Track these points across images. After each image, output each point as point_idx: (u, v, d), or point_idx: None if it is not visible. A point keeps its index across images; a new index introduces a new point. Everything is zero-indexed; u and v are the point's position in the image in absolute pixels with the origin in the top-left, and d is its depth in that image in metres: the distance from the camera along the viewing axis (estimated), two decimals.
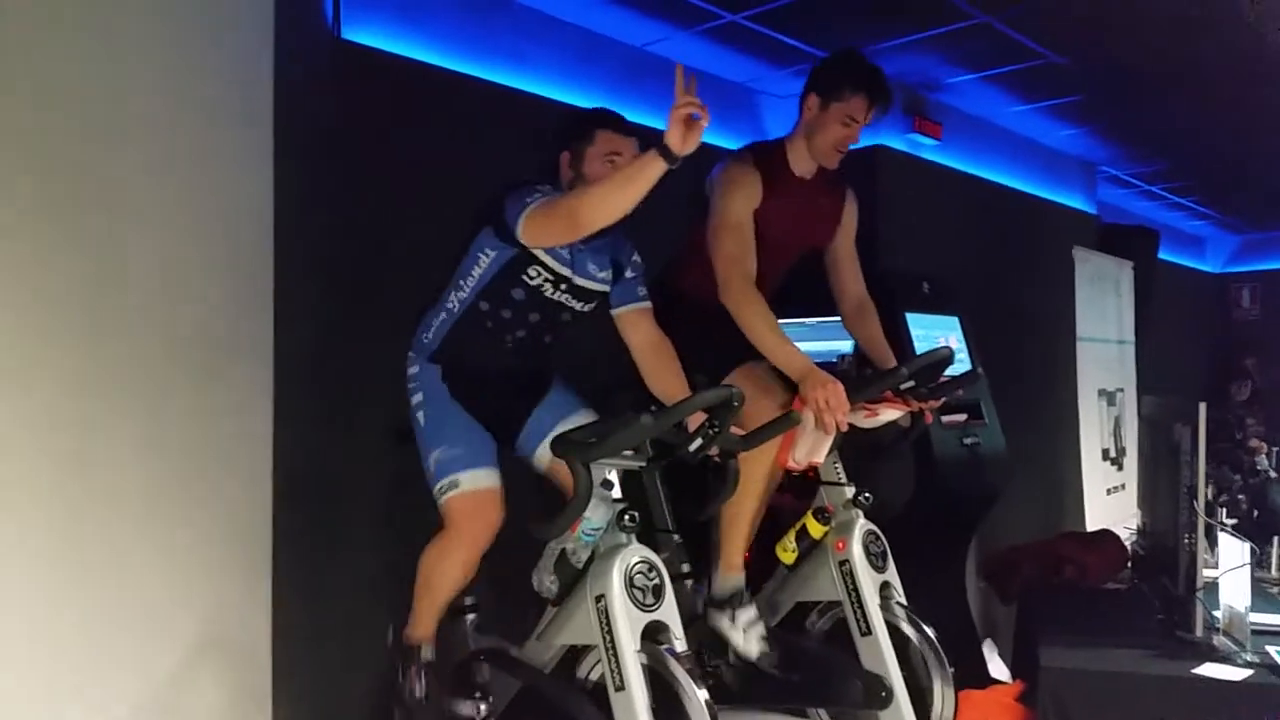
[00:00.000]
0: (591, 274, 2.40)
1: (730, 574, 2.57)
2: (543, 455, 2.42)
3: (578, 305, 2.43)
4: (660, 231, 2.60)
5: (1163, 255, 6.93)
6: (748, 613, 2.51)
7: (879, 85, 2.55)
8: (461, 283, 2.37)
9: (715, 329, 2.52)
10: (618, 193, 2.03)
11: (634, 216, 2.35)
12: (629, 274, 2.47)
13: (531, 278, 2.33)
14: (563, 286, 2.37)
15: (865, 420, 2.55)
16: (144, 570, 2.04)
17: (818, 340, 3.59)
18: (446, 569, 2.34)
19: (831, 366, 3.40)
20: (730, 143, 4.21)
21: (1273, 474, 5.74)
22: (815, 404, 2.33)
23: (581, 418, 2.44)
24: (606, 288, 2.44)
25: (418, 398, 2.42)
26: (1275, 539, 4.49)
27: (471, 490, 2.32)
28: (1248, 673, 2.37)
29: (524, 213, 2.17)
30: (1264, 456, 4.94)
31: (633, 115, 3.74)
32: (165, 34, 2.11)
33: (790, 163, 2.65)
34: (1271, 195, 6.74)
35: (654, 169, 1.95)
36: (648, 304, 2.48)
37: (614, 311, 2.48)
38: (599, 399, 2.50)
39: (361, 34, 3.00)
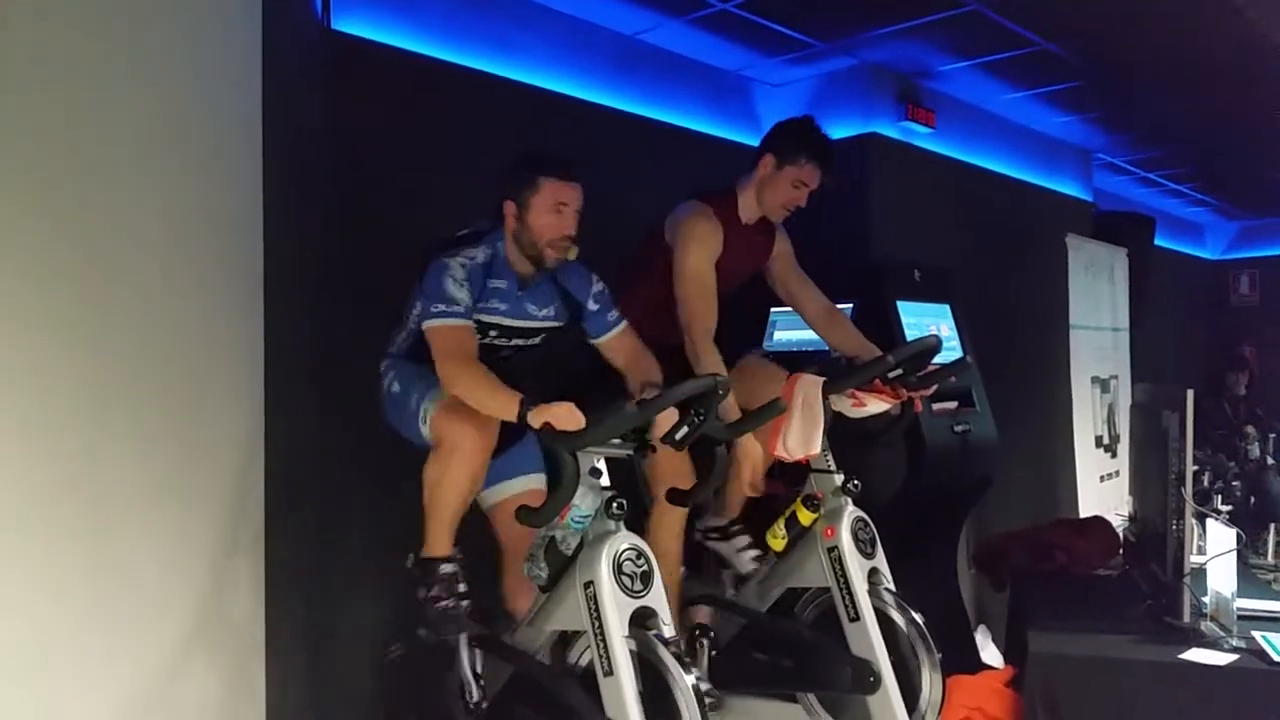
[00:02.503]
0: (530, 314, 2.47)
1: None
2: (488, 497, 2.48)
3: (519, 342, 2.49)
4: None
5: (1161, 242, 6.91)
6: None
7: (830, 157, 2.77)
8: (415, 311, 2.41)
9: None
10: (475, 398, 2.16)
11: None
12: (593, 305, 2.53)
13: (480, 335, 2.37)
14: (514, 335, 2.45)
15: (853, 410, 2.56)
16: (138, 557, 2.05)
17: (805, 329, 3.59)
18: (448, 483, 2.27)
19: (824, 356, 3.41)
20: (724, 131, 4.24)
21: (1270, 459, 5.74)
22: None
23: (534, 482, 2.54)
24: (550, 323, 2.51)
25: (390, 375, 2.45)
26: (1271, 526, 4.51)
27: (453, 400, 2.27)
28: (1233, 657, 2.38)
29: (426, 325, 2.29)
30: (1256, 444, 4.93)
31: (622, 104, 3.79)
32: (153, 24, 2.11)
33: (740, 212, 2.83)
34: (1269, 182, 6.73)
35: (506, 412, 2.10)
36: (623, 325, 2.56)
37: (594, 342, 2.56)
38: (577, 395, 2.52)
39: (351, 24, 3.00)
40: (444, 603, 2.29)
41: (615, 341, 2.55)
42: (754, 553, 2.87)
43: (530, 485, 2.56)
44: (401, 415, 2.37)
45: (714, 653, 2.73)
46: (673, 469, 2.46)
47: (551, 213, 2.33)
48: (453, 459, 2.25)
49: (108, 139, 2.03)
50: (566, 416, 2.02)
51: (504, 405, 2.12)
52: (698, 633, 2.76)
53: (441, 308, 2.27)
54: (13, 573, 1.87)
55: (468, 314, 2.31)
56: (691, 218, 2.73)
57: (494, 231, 2.41)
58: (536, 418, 2.03)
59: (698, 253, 2.68)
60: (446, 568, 2.32)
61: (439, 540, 2.33)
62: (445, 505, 2.30)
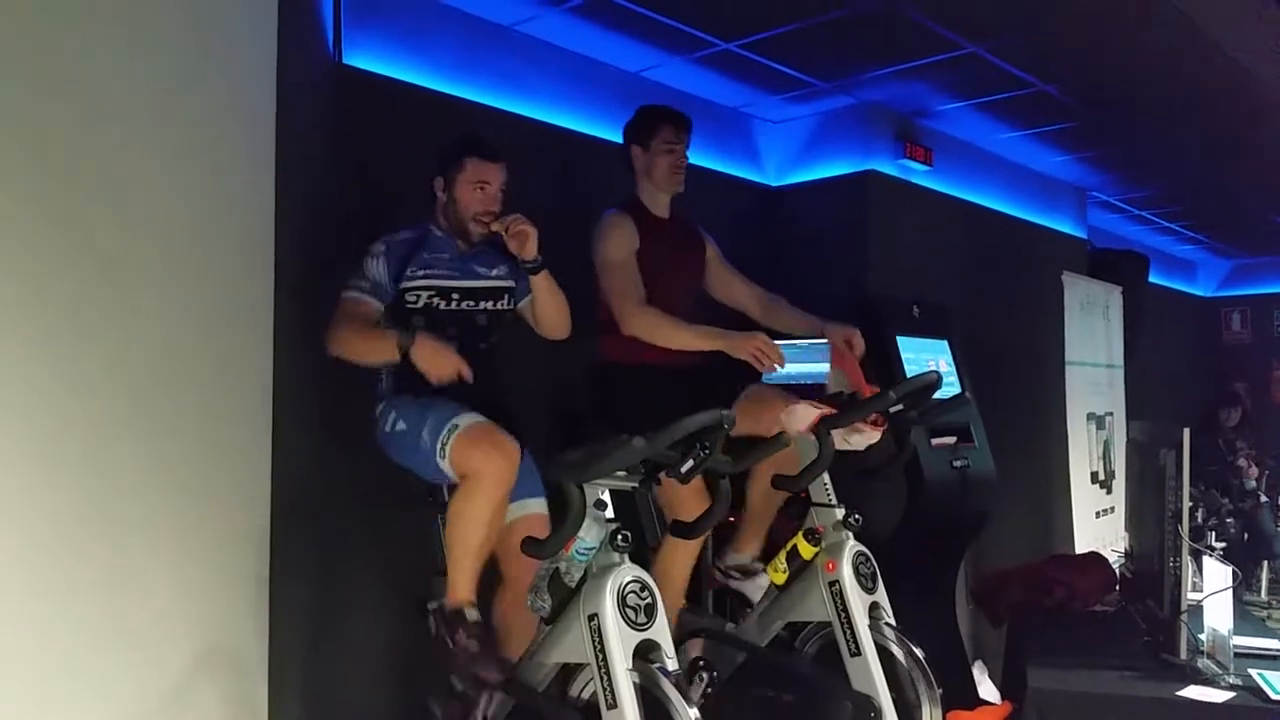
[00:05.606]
0: (482, 274, 2.58)
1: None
2: None
3: (486, 305, 2.58)
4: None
5: (1154, 279, 6.98)
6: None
7: (676, 113, 2.96)
8: None
9: (648, 390, 2.71)
10: (352, 346, 2.40)
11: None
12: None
13: (413, 302, 2.48)
14: (454, 296, 2.52)
15: (856, 439, 2.59)
16: (142, 580, 2.06)
17: (808, 362, 3.61)
18: (473, 514, 2.26)
19: (821, 389, 3.42)
20: (726, 167, 4.29)
21: (1263, 497, 5.77)
22: (752, 355, 2.65)
23: (535, 506, 2.52)
24: (503, 282, 2.61)
25: (390, 416, 2.46)
26: (1265, 563, 4.52)
27: (472, 423, 2.30)
28: (1230, 695, 2.40)
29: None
30: (1253, 479, 4.96)
31: None
32: (171, 60, 2.16)
33: (647, 206, 2.98)
34: (1260, 221, 6.81)
35: (386, 352, 2.34)
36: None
37: (519, 306, 2.66)
38: (566, 429, 2.55)
39: (362, 59, 3.05)
40: (474, 652, 2.24)
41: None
42: None
43: (529, 510, 2.52)
44: (414, 454, 2.37)
45: (709, 690, 2.70)
46: (693, 500, 2.49)
47: (473, 189, 2.51)
48: (477, 488, 2.25)
49: (124, 163, 2.06)
50: (433, 355, 2.28)
51: (381, 348, 2.35)
52: (699, 664, 2.75)
53: (351, 282, 2.45)
54: (17, 592, 1.88)
55: (375, 292, 2.45)
56: (600, 224, 2.88)
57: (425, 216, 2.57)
58: (417, 351, 2.27)
59: (608, 242, 2.82)
60: (471, 614, 2.28)
61: (462, 585, 2.29)
62: (469, 541, 2.26)
